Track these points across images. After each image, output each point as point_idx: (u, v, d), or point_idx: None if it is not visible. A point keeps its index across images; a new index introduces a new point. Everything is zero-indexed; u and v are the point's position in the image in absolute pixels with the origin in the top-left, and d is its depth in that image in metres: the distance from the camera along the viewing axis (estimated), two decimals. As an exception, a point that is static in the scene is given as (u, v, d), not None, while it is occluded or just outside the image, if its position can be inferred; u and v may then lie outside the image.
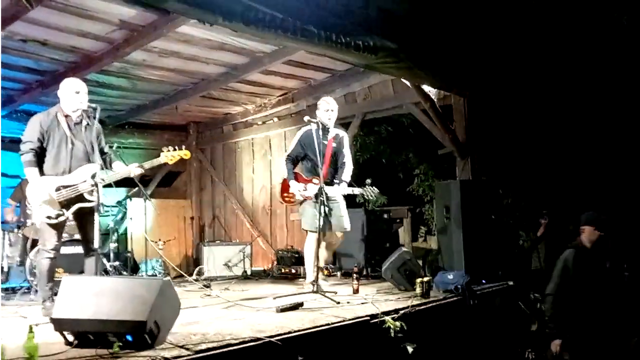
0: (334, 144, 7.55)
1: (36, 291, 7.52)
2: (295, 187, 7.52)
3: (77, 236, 7.13)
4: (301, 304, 6.10)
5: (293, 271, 9.79)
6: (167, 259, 8.95)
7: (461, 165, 9.06)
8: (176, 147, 6.51)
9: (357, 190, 7.47)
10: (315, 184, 7.41)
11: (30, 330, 3.89)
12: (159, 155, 6.44)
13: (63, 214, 5.93)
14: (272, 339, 4.65)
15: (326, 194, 7.10)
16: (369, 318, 5.71)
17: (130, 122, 12.25)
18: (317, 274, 6.97)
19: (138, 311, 4.30)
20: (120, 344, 4.27)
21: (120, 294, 4.43)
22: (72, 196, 5.96)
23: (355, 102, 10.40)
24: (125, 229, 11.39)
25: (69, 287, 4.56)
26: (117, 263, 8.74)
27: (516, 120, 10.58)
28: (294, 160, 7.69)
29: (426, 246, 12.65)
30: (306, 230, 7.64)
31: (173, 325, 4.67)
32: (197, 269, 9.96)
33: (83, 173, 5.99)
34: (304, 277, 8.28)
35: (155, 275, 10.00)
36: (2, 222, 8.87)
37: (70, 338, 4.46)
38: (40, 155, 6.04)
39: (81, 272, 7.37)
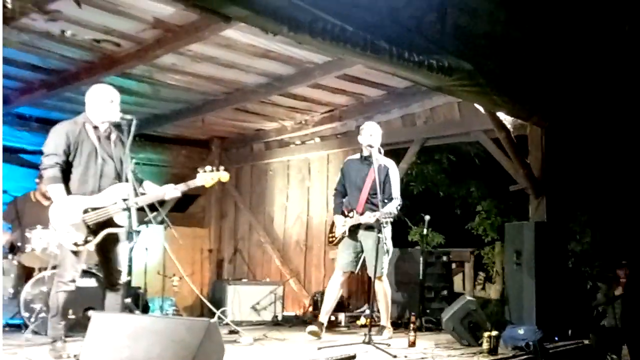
0: (376, 175, 7.82)
1: (34, 331, 7.64)
2: (338, 222, 7.99)
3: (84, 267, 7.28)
4: (353, 357, 6.33)
5: (332, 318, 9.98)
6: (206, 302, 9.02)
7: (535, 204, 9.24)
8: (214, 168, 6.45)
9: (377, 216, 7.64)
10: (350, 217, 7.86)
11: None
12: (184, 176, 6.57)
13: (91, 241, 6.02)
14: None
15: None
16: (431, 375, 5.93)
17: (143, 134, 12.31)
18: (370, 324, 7.26)
19: (180, 356, 4.51)
20: None
21: (159, 336, 4.64)
22: (102, 220, 6.04)
23: (414, 126, 10.64)
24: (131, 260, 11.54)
25: (100, 326, 4.78)
26: (128, 300, 8.92)
27: (597, 156, 10.69)
28: (343, 193, 8.13)
29: (485, 295, 12.77)
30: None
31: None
32: (219, 311, 10.14)
33: (114, 194, 6.07)
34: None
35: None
36: None
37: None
38: (64, 172, 6.09)
39: (87, 309, 7.69)
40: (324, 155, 12.09)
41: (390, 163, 8.10)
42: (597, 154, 10.24)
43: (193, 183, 6.39)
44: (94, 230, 6.04)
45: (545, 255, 8.41)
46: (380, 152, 7.99)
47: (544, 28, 8.16)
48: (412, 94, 10.19)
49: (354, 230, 7.98)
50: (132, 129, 6.02)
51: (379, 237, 7.55)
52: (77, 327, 7.05)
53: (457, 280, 11.36)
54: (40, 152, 10.75)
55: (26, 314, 8.06)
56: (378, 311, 8.27)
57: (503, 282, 11.00)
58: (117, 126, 6.30)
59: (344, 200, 8.20)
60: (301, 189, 12.45)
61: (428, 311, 9.50)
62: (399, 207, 7.83)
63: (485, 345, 7.01)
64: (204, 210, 13.79)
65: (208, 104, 10.86)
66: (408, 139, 10.70)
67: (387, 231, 7.84)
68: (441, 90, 7.66)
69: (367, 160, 7.94)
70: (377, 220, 7.55)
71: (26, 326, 7.94)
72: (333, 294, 8.20)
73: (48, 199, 9.01)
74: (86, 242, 6.01)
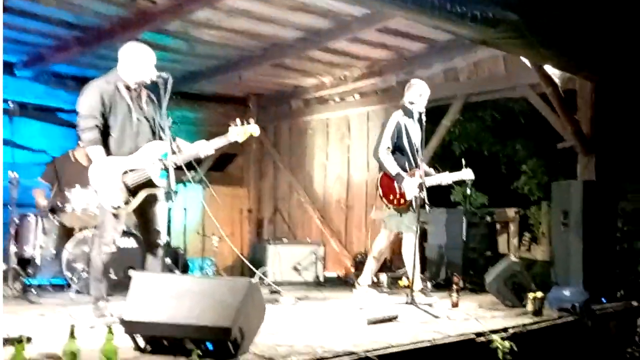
0: (422, 133, 7.85)
1: (77, 290, 7.88)
2: (411, 183, 7.85)
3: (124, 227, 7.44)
4: (395, 317, 6.42)
5: (375, 279, 10.06)
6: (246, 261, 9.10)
7: (584, 162, 9.20)
8: (244, 121, 6.46)
9: (457, 176, 7.91)
10: (418, 177, 7.79)
11: (110, 332, 4.22)
12: (221, 134, 6.40)
13: (131, 202, 6.10)
14: (368, 354, 4.95)
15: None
16: (474, 336, 5.99)
17: (178, 91, 12.46)
18: (412, 283, 7.31)
19: (221, 316, 4.58)
20: (200, 352, 4.52)
21: (200, 295, 4.73)
22: (141, 181, 6.10)
23: (457, 81, 10.60)
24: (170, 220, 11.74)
25: (142, 286, 4.89)
26: (168, 260, 9.05)
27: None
28: (392, 152, 8.06)
29: (530, 256, 12.75)
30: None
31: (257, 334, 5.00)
32: (259, 270, 10.25)
33: (151, 153, 6.12)
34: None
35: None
36: (33, 207, 9.16)
37: (142, 343, 4.80)
38: (101, 133, 6.10)
39: (128, 269, 7.83)
40: (364, 112, 12.11)
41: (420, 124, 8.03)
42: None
43: (226, 138, 6.38)
44: (133, 191, 6.11)
45: (594, 215, 8.38)
46: None
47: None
48: (455, 47, 10.09)
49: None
50: (169, 87, 6.02)
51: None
52: (119, 287, 7.21)
53: (502, 241, 11.33)
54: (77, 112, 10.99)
55: (68, 274, 8.25)
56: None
57: (549, 243, 10.98)
58: (149, 84, 6.31)
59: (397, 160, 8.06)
60: (341, 147, 12.50)
61: (471, 272, 9.52)
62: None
63: (529, 307, 7.05)
64: (242, 170, 13.95)
65: (244, 60, 10.89)
66: (450, 94, 10.65)
67: None
68: (485, 44, 7.61)
69: (416, 118, 7.92)
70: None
71: (69, 285, 8.16)
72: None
73: (89, 158, 9.21)
74: (126, 203, 6.08)
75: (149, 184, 6.13)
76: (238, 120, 6.43)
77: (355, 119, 12.27)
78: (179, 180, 6.27)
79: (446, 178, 8.07)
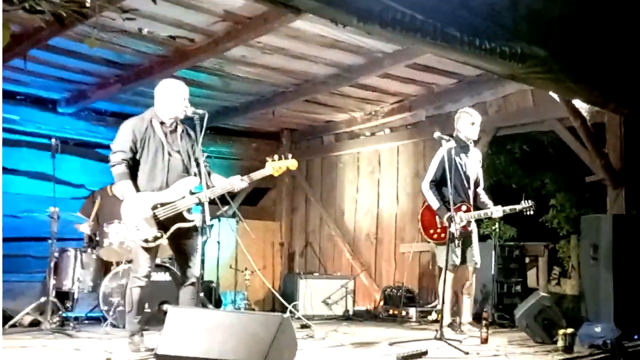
0: (476, 164, 7.78)
1: (112, 324, 7.89)
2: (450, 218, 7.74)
3: (157, 261, 7.48)
4: (425, 353, 6.33)
5: (403, 313, 10.00)
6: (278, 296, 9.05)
7: (613, 196, 9.07)
8: (282, 156, 6.57)
9: (516, 208, 7.78)
10: (464, 211, 7.76)
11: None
12: (255, 169, 6.51)
13: (161, 236, 6.12)
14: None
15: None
16: (505, 373, 5.89)
17: (213, 126, 12.52)
18: (442, 319, 7.23)
19: (254, 351, 4.60)
20: None
21: (234, 330, 4.74)
22: (171, 215, 6.13)
23: (486, 115, 10.49)
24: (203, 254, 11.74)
25: (176, 320, 4.89)
26: (201, 294, 9.05)
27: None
28: (438, 186, 8.01)
29: (560, 291, 12.60)
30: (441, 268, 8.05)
31: (289, 369, 4.96)
32: (291, 305, 10.19)
33: (182, 188, 6.18)
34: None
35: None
36: (75, 240, 9.27)
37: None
38: (132, 168, 6.21)
39: (162, 303, 7.85)
40: (394, 147, 12.10)
41: (478, 151, 8.11)
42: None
43: (262, 173, 6.49)
44: (164, 225, 6.14)
45: (624, 249, 8.21)
46: None
47: (621, 10, 7.97)
48: (484, 82, 10.09)
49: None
50: (204, 123, 6.10)
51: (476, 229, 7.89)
52: (153, 320, 7.26)
53: (531, 275, 11.23)
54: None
55: (105, 307, 8.27)
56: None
57: (579, 277, 10.84)
58: (185, 120, 6.41)
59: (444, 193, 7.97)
60: (371, 180, 12.48)
61: (501, 307, 9.42)
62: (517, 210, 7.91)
63: (560, 343, 6.89)
64: (275, 204, 13.93)
65: (278, 96, 10.99)
66: (480, 128, 10.59)
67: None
68: (514, 79, 7.55)
69: (468, 148, 7.92)
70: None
71: (105, 319, 8.15)
72: (451, 293, 8.13)
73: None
74: (156, 238, 6.10)
75: (180, 218, 6.16)
76: (276, 156, 6.54)
77: (385, 153, 12.27)
78: (213, 215, 6.29)
79: (499, 210, 7.89)
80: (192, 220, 6.13)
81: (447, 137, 7.51)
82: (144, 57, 9.16)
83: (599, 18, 7.74)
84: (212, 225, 6.07)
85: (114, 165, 6.17)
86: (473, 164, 7.88)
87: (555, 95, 8.81)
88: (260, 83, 10.40)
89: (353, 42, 8.63)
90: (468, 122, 7.86)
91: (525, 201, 7.56)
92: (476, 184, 7.95)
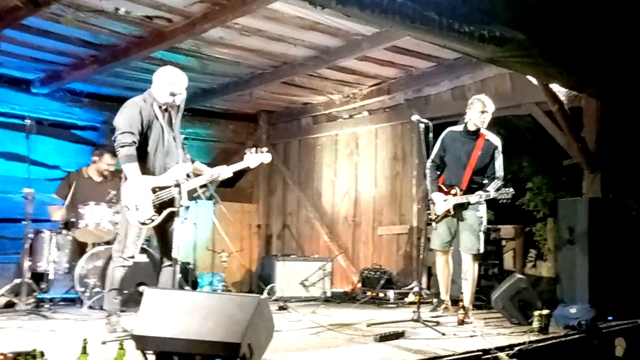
0: (481, 152, 7.80)
1: (89, 305, 7.91)
2: (437, 198, 7.82)
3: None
4: (402, 334, 6.40)
5: (381, 295, 10.06)
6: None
7: (589, 179, 9.18)
8: (258, 150, 6.72)
9: (490, 195, 7.59)
10: (453, 195, 7.76)
11: (121, 347, 4.21)
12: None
13: (155, 219, 6.19)
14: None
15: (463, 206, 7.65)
16: (480, 353, 5.92)
17: (190, 108, 12.41)
18: (419, 301, 7.28)
19: (231, 332, 4.57)
20: None
21: (211, 311, 4.71)
22: (166, 199, 6.19)
23: (464, 99, 10.50)
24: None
25: (153, 301, 4.88)
26: (179, 276, 9.04)
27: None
28: (438, 166, 8.04)
29: (536, 273, 12.71)
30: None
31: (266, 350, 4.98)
32: (268, 287, 10.23)
33: (177, 173, 6.13)
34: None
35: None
36: (49, 222, 9.20)
37: (152, 358, 4.79)
38: (137, 150, 6.21)
39: (140, 284, 7.86)
40: (372, 130, 12.11)
41: (497, 141, 7.97)
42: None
43: (240, 165, 6.66)
44: (158, 209, 6.20)
45: (600, 232, 8.35)
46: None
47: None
48: (463, 66, 10.16)
49: (455, 208, 7.85)
50: (182, 104, 6.29)
51: (479, 216, 7.75)
52: (130, 302, 7.25)
53: (507, 258, 11.33)
54: (93, 128, 11.05)
55: (81, 289, 8.29)
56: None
57: (554, 259, 10.95)
58: None
59: (439, 173, 8.06)
60: (349, 163, 12.48)
61: (478, 289, 9.46)
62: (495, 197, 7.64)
63: (535, 324, 6.97)
64: (252, 186, 13.92)
65: (256, 78, 10.96)
66: (458, 112, 10.49)
67: (484, 209, 7.87)
68: (493, 62, 7.60)
69: (473, 135, 7.84)
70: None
71: (81, 300, 8.18)
72: (444, 274, 8.19)
73: (102, 176, 9.27)
74: (152, 220, 6.18)
75: (171, 202, 6.13)
76: (253, 149, 6.69)
77: (363, 136, 12.26)
78: (190, 197, 6.32)
79: (476, 196, 7.66)
80: (182, 205, 6.09)
81: (425, 121, 7.50)
82: (121, 37, 9.07)
83: (576, 3, 7.80)
84: (188, 207, 6.06)
85: (123, 146, 6.13)
86: (477, 151, 7.84)
87: (533, 79, 8.84)
88: (238, 65, 10.37)
89: (332, 24, 8.61)
90: (478, 110, 7.76)
91: (506, 190, 7.55)
92: (477, 171, 7.90)
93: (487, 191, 7.54)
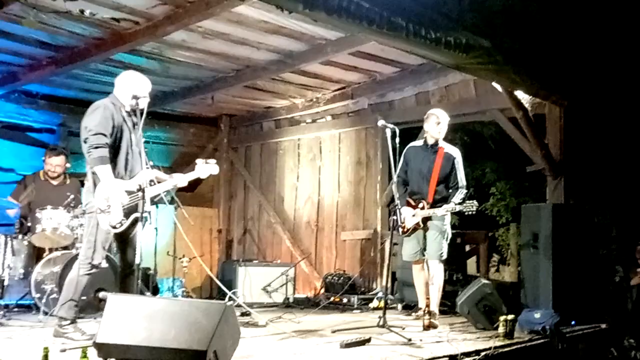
0: (442, 163, 7.88)
1: (44, 311, 7.76)
2: (406, 213, 7.89)
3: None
4: (368, 340, 6.43)
5: (345, 300, 10.09)
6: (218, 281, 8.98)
7: (553, 185, 9.29)
8: (207, 161, 6.91)
9: (456, 208, 7.74)
10: (421, 208, 7.85)
11: (84, 355, 4.18)
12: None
13: (123, 224, 6.16)
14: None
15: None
16: (447, 359, 6.00)
17: (150, 111, 12.30)
18: (385, 306, 7.34)
19: (196, 339, 4.59)
20: None
21: (175, 318, 4.72)
22: (133, 204, 6.19)
23: (428, 104, 10.62)
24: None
25: (116, 308, 4.86)
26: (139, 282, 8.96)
27: (616, 136, 10.71)
28: (404, 181, 8.13)
29: (499, 278, 12.85)
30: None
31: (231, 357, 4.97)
32: (230, 292, 10.16)
33: (142, 179, 6.18)
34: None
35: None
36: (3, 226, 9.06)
37: (115, 366, 4.77)
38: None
39: (98, 290, 7.78)
40: (336, 134, 12.14)
41: (456, 152, 8.05)
42: (617, 134, 10.26)
43: (193, 174, 6.86)
44: (125, 213, 6.18)
45: (563, 238, 8.45)
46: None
47: (564, 4, 8.16)
48: (427, 72, 10.22)
49: (423, 221, 7.93)
50: (145, 109, 6.33)
51: (443, 224, 7.86)
52: (88, 308, 7.17)
53: (470, 262, 11.41)
54: (49, 130, 10.90)
55: (37, 295, 8.14)
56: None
57: (518, 264, 11.07)
58: None
59: (406, 188, 8.13)
60: (312, 168, 12.50)
61: (442, 294, 9.53)
62: (464, 197, 7.86)
63: (501, 329, 7.07)
64: (212, 190, 13.88)
65: (218, 82, 10.92)
66: (421, 117, 10.53)
67: (448, 218, 8.00)
68: (458, 69, 7.69)
69: (432, 148, 7.95)
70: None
71: (36, 307, 8.06)
72: (419, 283, 8.26)
73: (55, 178, 9.15)
74: (121, 224, 6.16)
75: (136, 208, 6.18)
76: (201, 160, 6.88)
77: (326, 140, 12.30)
78: (152, 201, 6.35)
79: (442, 210, 7.79)
80: (146, 211, 6.15)
81: (391, 126, 7.54)
82: (80, 39, 8.93)
83: (541, 12, 7.93)
84: (149, 212, 6.10)
85: (97, 147, 6.10)
86: (438, 164, 7.93)
87: (498, 86, 8.93)
88: (200, 68, 10.31)
89: (296, 28, 8.60)
90: (434, 122, 7.93)
91: (470, 202, 7.65)
92: (440, 182, 7.95)
93: (453, 204, 7.69)
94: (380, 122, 7.62)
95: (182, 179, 6.71)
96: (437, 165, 7.89)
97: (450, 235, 8.07)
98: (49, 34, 8.72)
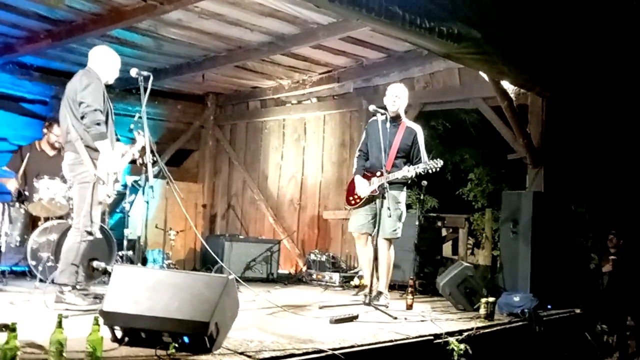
0: (402, 137, 7.92)
1: (40, 279, 7.81)
2: (359, 183, 7.95)
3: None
4: (356, 317, 6.57)
5: (327, 278, 10.20)
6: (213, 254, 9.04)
7: (533, 174, 9.46)
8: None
9: (418, 169, 7.63)
10: (378, 176, 7.79)
11: (96, 323, 4.24)
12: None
13: (112, 195, 6.52)
14: (335, 352, 5.06)
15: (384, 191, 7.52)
16: (432, 337, 6.17)
17: (139, 87, 12.39)
18: (371, 284, 7.42)
19: (199, 311, 4.64)
20: (176, 345, 4.59)
21: (179, 289, 4.79)
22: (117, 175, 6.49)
23: (413, 90, 10.68)
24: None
25: (121, 278, 4.93)
26: (130, 252, 9.01)
27: (595, 128, 10.86)
28: (366, 155, 8.16)
29: (473, 261, 12.98)
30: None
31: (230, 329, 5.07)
32: (216, 267, 10.23)
33: (120, 151, 6.54)
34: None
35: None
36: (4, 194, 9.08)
37: (119, 334, 4.83)
38: None
39: (92, 260, 7.87)
40: (320, 116, 12.25)
41: (417, 127, 8.10)
42: (595, 127, 10.42)
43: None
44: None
45: (542, 225, 8.66)
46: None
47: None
48: (412, 58, 10.30)
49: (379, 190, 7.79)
50: (149, 85, 6.55)
51: (397, 201, 7.80)
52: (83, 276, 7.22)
53: (446, 246, 11.59)
54: (42, 102, 10.86)
55: (33, 262, 8.23)
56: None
57: (492, 248, 11.25)
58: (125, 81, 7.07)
59: (366, 162, 8.15)
60: (296, 148, 12.61)
61: (422, 275, 9.68)
62: (424, 170, 7.68)
63: (482, 311, 7.25)
64: (198, 166, 13.95)
65: (209, 60, 10.93)
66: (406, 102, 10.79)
67: (403, 195, 7.97)
68: (449, 57, 7.78)
69: (393, 122, 7.89)
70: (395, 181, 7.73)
71: (31, 273, 8.13)
72: (364, 259, 8.18)
73: (55, 149, 9.18)
74: (112, 195, 6.54)
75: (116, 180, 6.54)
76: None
77: (311, 121, 12.40)
78: (145, 176, 6.54)
79: (410, 171, 7.68)
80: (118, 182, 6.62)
81: (382, 110, 7.63)
82: (78, 14, 8.90)
83: (529, 5, 8.03)
84: (152, 187, 6.22)
85: (99, 124, 6.31)
86: (399, 136, 7.95)
87: (485, 75, 9.06)
88: (193, 47, 10.32)
89: (290, 12, 8.64)
90: (389, 95, 8.01)
91: (434, 160, 7.65)
92: (399, 156, 7.94)
93: (413, 167, 7.65)
94: (372, 107, 7.67)
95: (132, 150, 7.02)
96: (398, 139, 7.91)
97: (404, 216, 8.01)
98: (47, 7, 8.66)
